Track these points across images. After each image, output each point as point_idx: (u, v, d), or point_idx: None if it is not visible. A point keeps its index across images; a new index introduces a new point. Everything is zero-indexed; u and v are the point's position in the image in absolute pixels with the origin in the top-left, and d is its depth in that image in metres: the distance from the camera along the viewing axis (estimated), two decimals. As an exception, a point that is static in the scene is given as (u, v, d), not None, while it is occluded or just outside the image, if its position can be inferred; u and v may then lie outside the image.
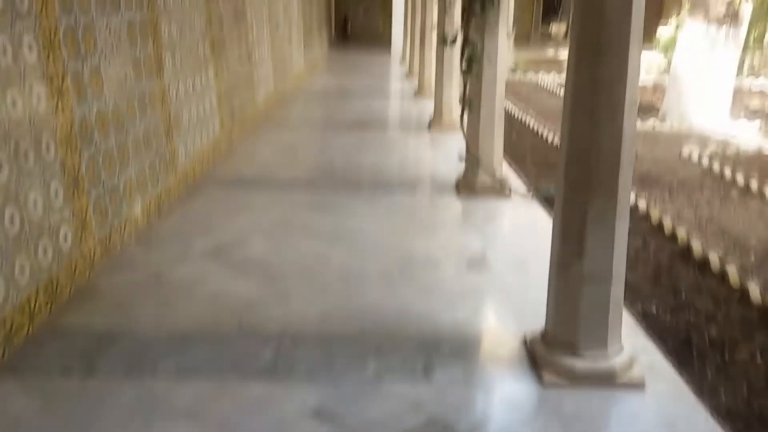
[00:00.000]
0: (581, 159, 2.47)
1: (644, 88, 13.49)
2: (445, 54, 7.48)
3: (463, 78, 4.91)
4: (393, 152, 7.06)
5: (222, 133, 6.37)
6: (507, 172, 5.82)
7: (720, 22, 9.60)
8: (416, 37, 12.11)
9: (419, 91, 10.72)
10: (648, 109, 11.21)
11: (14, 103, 2.94)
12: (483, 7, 4.58)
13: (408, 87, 11.74)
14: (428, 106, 8.78)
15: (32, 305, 3.10)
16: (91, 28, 3.70)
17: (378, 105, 10.25)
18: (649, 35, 15.52)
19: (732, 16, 9.50)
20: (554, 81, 14.99)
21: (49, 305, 3.24)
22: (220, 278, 3.75)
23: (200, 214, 4.82)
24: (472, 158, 5.26)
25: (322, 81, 12.71)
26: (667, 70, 12.26)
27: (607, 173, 2.44)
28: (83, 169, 3.60)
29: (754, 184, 6.74)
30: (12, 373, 2.79)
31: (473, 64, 4.69)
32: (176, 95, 5.12)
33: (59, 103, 3.33)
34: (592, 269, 2.57)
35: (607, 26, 2.30)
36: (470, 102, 5.01)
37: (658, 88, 13.22)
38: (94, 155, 3.73)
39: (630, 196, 2.61)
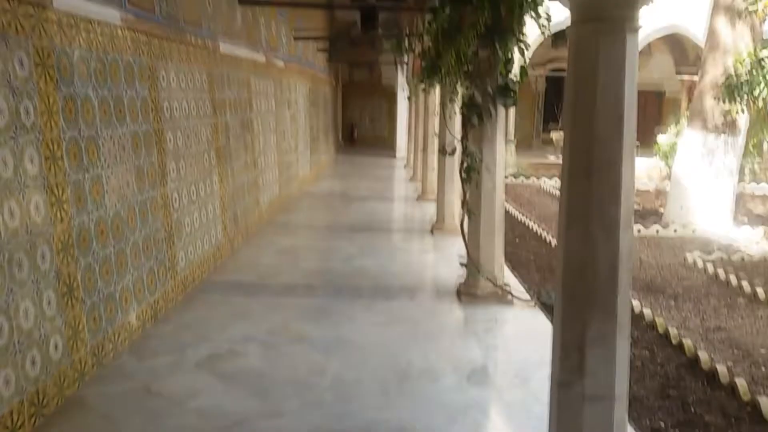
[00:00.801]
0: (578, 276, 2.43)
1: (646, 193, 13.66)
2: (446, 160, 7.62)
3: (463, 186, 4.96)
4: (395, 256, 7.04)
5: (224, 239, 6.40)
6: (509, 277, 5.77)
7: (718, 130, 9.82)
8: (419, 143, 12.42)
9: (422, 195, 10.86)
10: (651, 215, 11.29)
11: (12, 214, 2.97)
12: (480, 119, 4.70)
13: (411, 190, 11.90)
14: (431, 210, 8.86)
15: (15, 419, 2.99)
16: (95, 140, 3.79)
17: (381, 208, 10.36)
18: (649, 142, 15.94)
19: (729, 126, 9.72)
20: (556, 185, 15.19)
21: (33, 419, 3.13)
22: (212, 391, 3.63)
23: (196, 321, 4.75)
24: (473, 265, 5.24)
25: (328, 184, 12.92)
26: (669, 176, 12.43)
27: (605, 291, 2.39)
28: (79, 277, 3.58)
29: (761, 292, 6.64)
30: (-15, 496, 2.65)
31: (472, 173, 4.75)
32: (179, 202, 5.18)
33: (58, 213, 3.36)
34: (593, 389, 2.46)
35: (598, 144, 2.32)
36: (470, 210, 5.04)
37: (660, 194, 13.37)
38: (91, 263, 3.72)
39: (629, 313, 2.54)
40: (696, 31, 16.16)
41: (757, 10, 8.89)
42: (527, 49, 4.59)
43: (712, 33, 9.87)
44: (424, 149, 10.73)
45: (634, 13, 2.26)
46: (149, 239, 4.58)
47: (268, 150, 8.60)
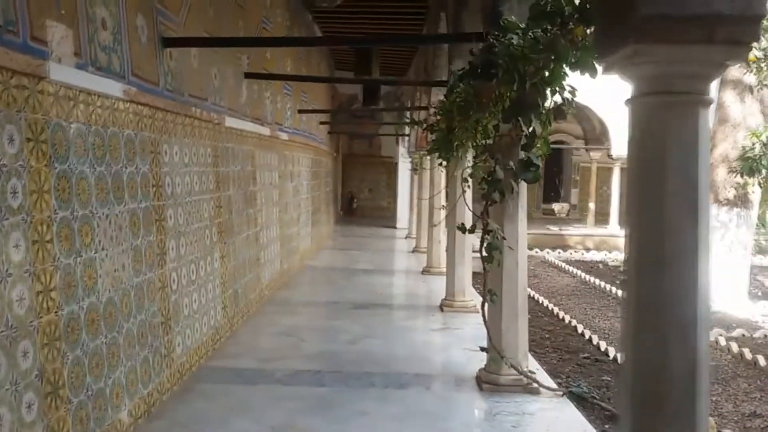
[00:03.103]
0: (649, 386, 2.07)
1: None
2: (456, 234, 7.31)
3: (484, 267, 4.63)
4: (404, 337, 6.62)
5: (224, 320, 6.01)
6: (532, 362, 5.37)
7: (730, 204, 9.62)
8: (423, 214, 12.18)
9: (428, 269, 10.53)
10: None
11: (-10, 309, 2.62)
12: (502, 195, 4.41)
13: (415, 263, 11.57)
14: (437, 285, 8.50)
15: None
16: (90, 221, 3.47)
17: (385, 283, 9.99)
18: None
19: (741, 199, 9.52)
20: (561, 257, 14.93)
21: None
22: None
23: (193, 416, 4.31)
24: (495, 350, 4.85)
25: (329, 257, 12.58)
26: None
27: (681, 402, 2.03)
28: (65, 374, 3.19)
29: (795, 374, 6.25)
30: None
31: (494, 252, 4.42)
32: (178, 284, 4.83)
33: (45, 303, 3.01)
34: None
35: (670, 233, 2.01)
36: (491, 291, 4.68)
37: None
38: (79, 358, 3.34)
39: (708, 424, 2.18)
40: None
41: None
42: (550, 124, 4.35)
43: (720, 107, 9.81)
44: (430, 222, 10.48)
45: (707, 85, 2.00)
46: (145, 325, 4.20)
47: (270, 224, 8.31)
